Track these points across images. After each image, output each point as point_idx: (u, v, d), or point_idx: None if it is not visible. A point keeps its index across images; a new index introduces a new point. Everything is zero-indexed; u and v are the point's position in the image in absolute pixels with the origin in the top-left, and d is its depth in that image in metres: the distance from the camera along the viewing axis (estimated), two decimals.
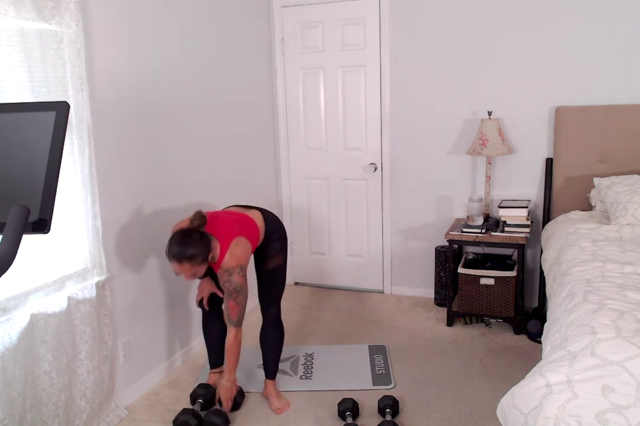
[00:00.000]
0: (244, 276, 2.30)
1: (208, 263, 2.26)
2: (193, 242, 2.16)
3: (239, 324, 2.33)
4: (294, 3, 3.92)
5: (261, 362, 3.07)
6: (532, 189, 3.64)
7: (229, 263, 2.28)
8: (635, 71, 3.29)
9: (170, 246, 2.18)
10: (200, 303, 2.67)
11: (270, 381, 2.69)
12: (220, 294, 2.58)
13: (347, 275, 4.23)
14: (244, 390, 2.76)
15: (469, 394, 2.72)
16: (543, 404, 1.47)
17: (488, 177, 3.54)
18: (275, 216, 2.62)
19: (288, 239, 4.34)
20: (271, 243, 2.54)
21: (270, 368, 2.67)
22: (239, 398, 2.62)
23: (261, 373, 2.96)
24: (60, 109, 1.24)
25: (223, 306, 2.58)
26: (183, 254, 2.15)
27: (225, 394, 2.48)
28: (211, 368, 2.80)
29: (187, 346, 3.19)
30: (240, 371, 3.00)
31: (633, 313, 1.73)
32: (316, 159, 4.13)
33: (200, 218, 2.24)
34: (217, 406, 2.66)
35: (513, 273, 3.30)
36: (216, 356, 2.77)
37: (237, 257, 2.29)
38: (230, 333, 2.35)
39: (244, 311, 2.32)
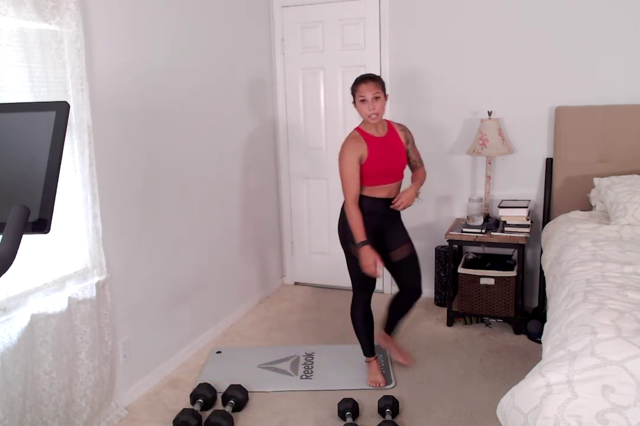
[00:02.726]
0: None
1: (384, 101, 2.59)
2: (374, 74, 2.63)
3: (423, 163, 2.90)
4: (294, 3, 3.92)
5: (262, 362, 3.08)
6: (532, 189, 3.64)
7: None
8: (635, 71, 3.29)
9: (357, 77, 2.62)
10: (366, 276, 2.71)
11: (391, 337, 3.06)
12: (381, 264, 2.64)
13: (347, 275, 4.21)
14: (248, 390, 2.76)
15: (469, 394, 2.72)
16: (543, 404, 1.47)
17: (488, 177, 3.54)
18: None
19: (288, 239, 4.34)
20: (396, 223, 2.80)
21: (394, 326, 3.02)
22: (242, 399, 2.62)
23: (262, 373, 2.96)
24: (60, 109, 1.24)
25: (413, 158, 2.83)
26: (369, 76, 2.59)
27: (406, 198, 2.69)
28: (370, 355, 2.89)
29: (187, 345, 3.19)
30: (242, 371, 3.00)
31: (633, 313, 1.73)
32: (316, 159, 4.13)
33: None
34: (219, 407, 2.66)
35: (513, 273, 3.30)
36: (372, 343, 2.89)
37: None
38: (424, 168, 2.88)
39: None
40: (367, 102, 2.54)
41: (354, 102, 2.61)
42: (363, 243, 2.58)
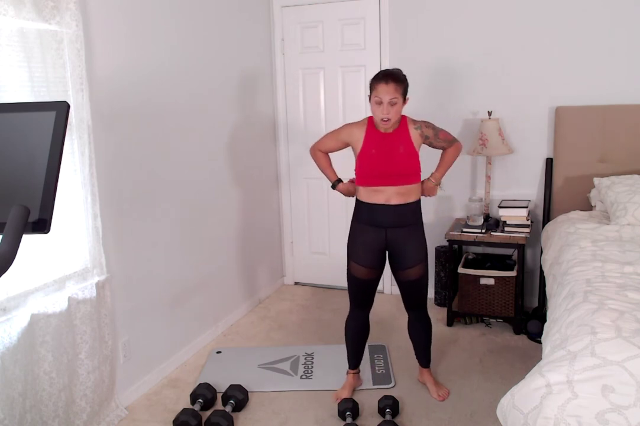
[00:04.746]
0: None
1: (403, 104, 2.37)
2: (397, 71, 2.38)
3: (456, 139, 2.58)
4: (294, 3, 3.92)
5: (262, 362, 3.08)
6: (532, 189, 3.64)
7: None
8: (635, 71, 3.29)
9: (379, 72, 2.37)
10: (361, 294, 2.62)
11: (425, 370, 2.76)
12: (351, 194, 2.61)
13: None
14: (248, 390, 2.75)
15: (469, 394, 2.72)
16: (543, 404, 1.47)
17: (488, 177, 3.54)
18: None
19: (288, 239, 4.34)
20: (409, 239, 2.51)
21: (423, 357, 2.75)
22: (242, 399, 2.62)
23: (262, 373, 2.96)
24: (60, 109, 1.24)
25: (441, 144, 2.54)
26: (390, 74, 2.32)
27: (428, 191, 2.59)
28: (350, 368, 2.77)
29: (187, 345, 3.19)
30: (242, 371, 3.00)
31: (633, 313, 1.73)
32: None
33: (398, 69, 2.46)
34: (219, 407, 2.67)
35: (513, 273, 3.30)
36: (355, 357, 2.74)
37: None
38: (455, 146, 2.58)
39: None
40: (382, 105, 2.31)
41: (370, 97, 2.37)
42: (336, 182, 2.61)
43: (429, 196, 2.62)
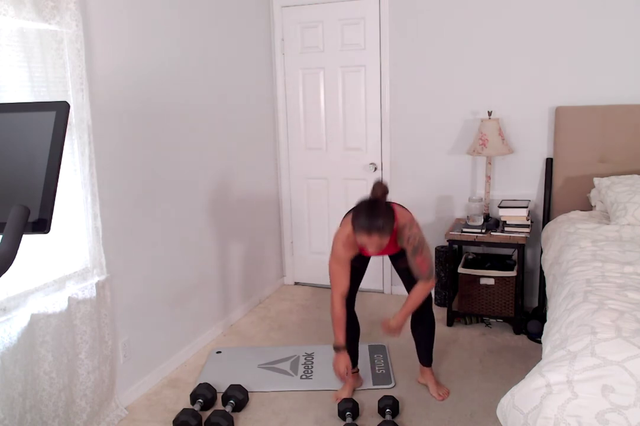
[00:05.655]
0: (420, 228, 2.37)
1: (392, 234, 2.21)
2: (381, 212, 2.12)
3: (430, 276, 2.34)
4: (294, 3, 3.92)
5: (262, 362, 3.08)
6: (532, 189, 3.64)
7: (403, 219, 2.32)
8: (635, 71, 3.29)
9: (359, 219, 2.13)
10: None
11: (427, 369, 2.74)
12: (350, 371, 2.44)
13: None
14: (248, 390, 2.75)
15: (469, 394, 2.72)
16: (543, 404, 1.47)
17: (488, 178, 3.54)
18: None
19: (288, 239, 4.35)
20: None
21: (425, 356, 2.72)
22: (242, 399, 2.62)
23: (262, 373, 2.96)
24: (60, 109, 1.24)
25: (411, 265, 2.36)
26: (373, 226, 2.09)
27: (391, 332, 2.42)
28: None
29: (187, 345, 3.19)
30: (242, 371, 3.00)
31: (633, 313, 1.73)
32: (316, 159, 4.13)
33: (383, 187, 2.22)
34: (219, 407, 2.66)
35: (513, 273, 3.30)
36: (350, 355, 2.64)
37: (408, 215, 2.37)
38: (424, 284, 2.37)
39: (433, 263, 2.27)
40: (367, 247, 2.18)
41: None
42: (338, 348, 2.43)
43: (392, 335, 2.47)
